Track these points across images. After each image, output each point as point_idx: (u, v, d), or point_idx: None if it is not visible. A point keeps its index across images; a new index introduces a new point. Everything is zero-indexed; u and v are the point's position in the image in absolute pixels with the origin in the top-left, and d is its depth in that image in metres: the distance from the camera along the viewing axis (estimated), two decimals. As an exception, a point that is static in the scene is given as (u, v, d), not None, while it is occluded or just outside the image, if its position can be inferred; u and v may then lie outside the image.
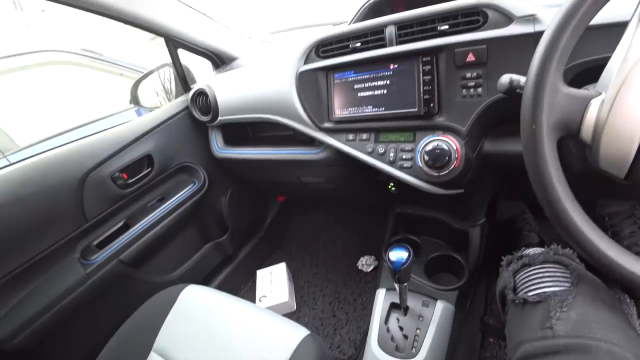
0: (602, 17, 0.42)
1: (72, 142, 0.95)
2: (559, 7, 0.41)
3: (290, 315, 1.27)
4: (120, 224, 1.01)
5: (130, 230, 1.00)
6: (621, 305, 0.87)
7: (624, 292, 0.97)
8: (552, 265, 0.55)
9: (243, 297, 1.32)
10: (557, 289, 0.51)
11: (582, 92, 0.42)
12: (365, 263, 1.36)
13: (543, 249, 0.60)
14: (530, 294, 0.53)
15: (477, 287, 1.07)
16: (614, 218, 1.02)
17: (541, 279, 0.54)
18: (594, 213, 1.07)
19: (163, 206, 1.08)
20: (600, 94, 0.41)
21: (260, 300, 1.27)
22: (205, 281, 1.29)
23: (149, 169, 1.06)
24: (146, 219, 1.04)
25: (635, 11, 0.40)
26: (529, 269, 0.57)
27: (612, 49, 0.42)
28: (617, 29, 0.43)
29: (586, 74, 0.56)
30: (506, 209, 1.20)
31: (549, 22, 0.42)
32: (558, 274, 0.53)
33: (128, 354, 0.71)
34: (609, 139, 0.40)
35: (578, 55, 0.57)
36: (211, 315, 0.73)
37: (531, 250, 0.62)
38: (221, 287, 1.31)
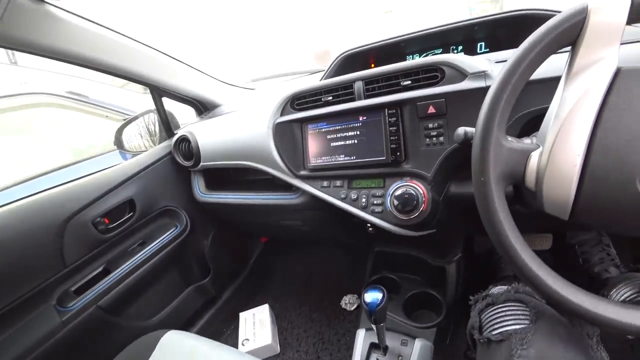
0: (541, 71, 0.47)
1: (54, 186, 0.96)
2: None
3: (274, 359, 1.25)
4: (100, 269, 1.00)
5: (110, 275, 1.00)
6: (582, 330, 0.90)
7: None
8: (513, 304, 0.58)
9: (226, 340, 1.31)
10: (517, 326, 0.54)
11: (522, 145, 0.47)
12: (349, 302, 1.36)
13: (506, 287, 0.63)
14: (494, 332, 0.55)
15: (459, 322, 1.09)
16: (584, 246, 1.07)
17: (503, 317, 0.57)
18: (564, 241, 1.12)
19: (144, 250, 1.08)
20: (539, 146, 0.46)
21: (243, 344, 1.25)
22: (187, 325, 1.26)
23: (131, 214, 1.07)
24: (126, 263, 1.03)
25: (564, 71, 0.45)
26: (492, 308, 0.60)
27: (551, 100, 0.47)
28: (554, 82, 0.47)
29: (533, 122, 0.62)
30: (483, 242, 1.24)
31: None
32: (518, 312, 0.56)
33: None
34: (550, 187, 0.44)
35: (523, 106, 0.63)
36: (191, 363, 0.72)
37: (495, 289, 0.65)
38: (203, 331, 1.29)
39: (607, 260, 1.02)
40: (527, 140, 0.52)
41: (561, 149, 0.43)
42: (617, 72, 0.41)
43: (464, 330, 1.10)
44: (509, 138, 0.52)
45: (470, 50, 0.99)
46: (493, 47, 0.98)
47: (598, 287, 0.86)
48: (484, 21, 0.93)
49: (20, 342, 0.82)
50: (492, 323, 0.57)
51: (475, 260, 1.17)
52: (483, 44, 1.00)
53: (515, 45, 0.47)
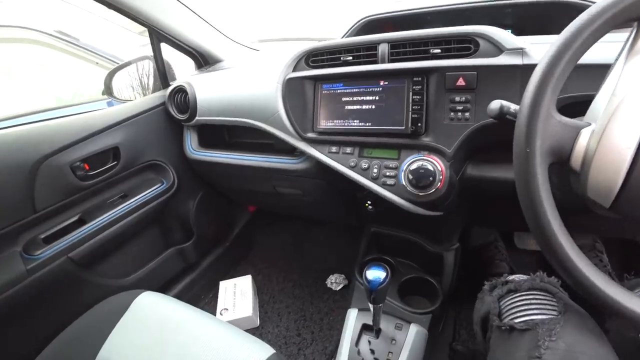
0: (588, 57, 0.44)
1: (28, 123, 0.87)
2: (548, 44, 0.42)
3: (252, 332, 1.19)
4: (75, 218, 0.93)
5: (85, 226, 0.92)
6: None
7: None
8: (538, 293, 0.55)
9: (203, 308, 1.25)
10: (544, 317, 0.50)
11: (573, 121, 0.43)
12: (335, 281, 1.32)
13: (528, 276, 0.60)
14: (517, 320, 0.52)
15: (447, 313, 1.07)
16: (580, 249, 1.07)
17: (528, 305, 0.54)
18: None
19: (125, 204, 1.01)
20: (590, 124, 0.42)
21: (221, 314, 1.20)
22: (163, 289, 1.20)
23: (115, 163, 0.99)
24: (104, 215, 0.96)
25: (622, 51, 0.42)
26: (515, 295, 0.57)
27: (595, 87, 0.44)
28: (600, 70, 0.45)
29: (572, 108, 0.58)
30: (478, 235, 1.21)
31: (536, 56, 0.42)
32: (545, 302, 0.53)
33: None
34: (597, 168, 0.40)
35: (564, 90, 0.58)
36: (166, 325, 0.67)
37: (516, 277, 0.62)
38: (180, 296, 1.23)
39: (600, 266, 1.02)
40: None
41: (616, 129, 0.39)
42: None
43: (451, 321, 1.09)
44: None
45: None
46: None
47: None
48: (518, 3, 0.88)
49: None
50: (514, 310, 0.54)
51: (469, 253, 1.15)
52: (510, 31, 0.95)
53: None
